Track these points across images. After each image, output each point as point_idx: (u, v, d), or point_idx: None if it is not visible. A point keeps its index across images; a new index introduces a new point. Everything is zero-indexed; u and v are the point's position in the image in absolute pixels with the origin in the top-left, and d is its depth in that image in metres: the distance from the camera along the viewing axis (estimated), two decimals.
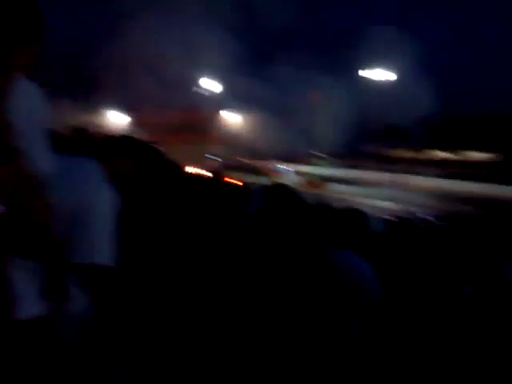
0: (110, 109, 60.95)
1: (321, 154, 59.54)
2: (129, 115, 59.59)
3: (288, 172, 47.86)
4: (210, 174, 5.72)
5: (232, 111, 63.17)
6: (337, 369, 3.03)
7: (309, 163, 56.56)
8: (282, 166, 50.30)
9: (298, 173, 46.88)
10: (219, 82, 56.93)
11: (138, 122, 55.18)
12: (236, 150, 54.84)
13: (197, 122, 54.12)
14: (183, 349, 3.11)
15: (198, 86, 55.85)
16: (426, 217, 18.77)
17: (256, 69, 63.76)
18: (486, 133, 52.99)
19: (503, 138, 49.28)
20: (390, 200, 32.03)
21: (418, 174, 44.91)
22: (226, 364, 2.90)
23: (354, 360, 3.14)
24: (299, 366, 2.92)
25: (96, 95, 51.36)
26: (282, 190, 4.10)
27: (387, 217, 10.45)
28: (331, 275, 3.14)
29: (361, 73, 53.50)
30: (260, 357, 2.89)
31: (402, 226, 4.94)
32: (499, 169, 42.22)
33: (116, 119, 62.09)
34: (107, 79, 53.11)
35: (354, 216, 3.42)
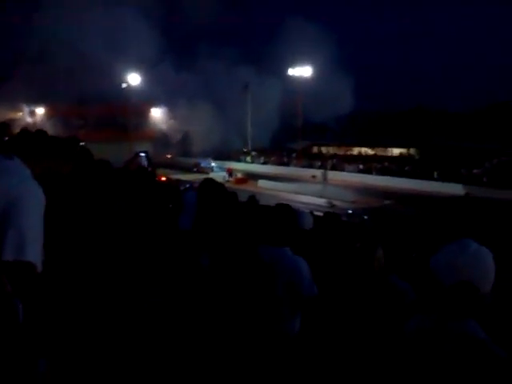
0: (33, 105, 58.38)
1: (249, 151, 60.04)
2: (50, 111, 57.26)
3: (217, 168, 47.82)
4: (139, 172, 5.65)
5: (159, 107, 62.32)
6: (273, 363, 3.11)
7: (237, 160, 56.89)
8: (211, 163, 50.19)
9: (226, 169, 46.95)
10: (146, 76, 55.88)
11: (61, 118, 53.20)
12: (164, 146, 54.11)
13: (124, 117, 52.93)
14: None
15: (125, 81, 54.54)
16: (349, 211, 19.42)
17: (184, 64, 63.27)
18: (405, 129, 55.52)
19: (421, 133, 51.82)
20: (316, 195, 32.79)
21: (342, 169, 46.34)
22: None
23: (291, 354, 3.23)
24: (237, 358, 2.99)
25: (17, 90, 49.03)
26: (209, 184, 4.17)
27: (314, 211, 10.76)
28: (264, 271, 3.21)
29: (289, 71, 54.36)
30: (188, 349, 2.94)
31: (328, 221, 5.12)
32: (417, 164, 44.35)
33: (38, 115, 59.58)
34: (30, 74, 50.87)
35: (285, 212, 3.51)
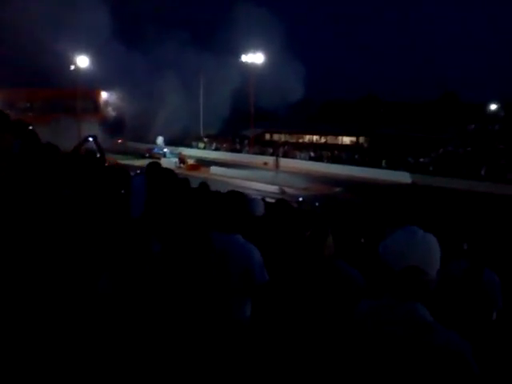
0: None
1: (202, 137, 59.63)
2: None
3: (169, 154, 47.22)
4: (87, 157, 5.51)
5: (110, 90, 60.85)
6: (224, 348, 3.13)
7: (189, 146, 56.40)
8: (163, 148, 49.53)
9: (178, 155, 46.47)
10: (96, 59, 54.30)
11: (7, 100, 51.14)
12: (115, 131, 52.93)
13: (73, 100, 51.37)
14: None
15: (74, 64, 52.83)
16: (299, 198, 19.65)
17: (133, 47, 61.87)
18: (356, 118, 56.52)
19: (371, 122, 52.89)
20: (268, 182, 32.99)
21: (293, 156, 46.79)
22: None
23: (242, 339, 3.26)
24: (188, 344, 2.98)
25: None
26: (156, 168, 4.12)
27: (266, 198, 10.82)
28: (215, 258, 3.21)
29: (242, 57, 54.05)
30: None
31: (279, 207, 5.15)
32: (366, 152, 45.33)
33: None
34: None
35: (236, 199, 3.51)
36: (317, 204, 19.17)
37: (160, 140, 51.30)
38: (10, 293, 3.23)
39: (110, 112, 59.17)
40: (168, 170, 3.87)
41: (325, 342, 2.64)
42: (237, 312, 3.34)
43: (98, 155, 6.13)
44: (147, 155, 46.70)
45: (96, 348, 2.92)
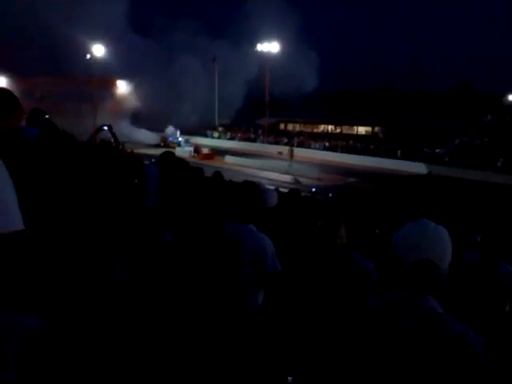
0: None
1: (216, 126, 59.61)
2: (12, 83, 55.42)
3: (184, 143, 47.32)
4: (103, 146, 5.55)
5: (126, 80, 60.95)
6: (237, 335, 3.16)
7: (204, 135, 56.44)
8: (178, 137, 49.63)
9: (192, 144, 46.56)
10: (111, 49, 54.40)
11: (23, 89, 51.62)
12: (132, 120, 53.13)
13: (89, 90, 51.56)
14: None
15: (90, 53, 52.99)
16: (312, 188, 19.54)
17: (150, 37, 61.84)
18: (372, 108, 56.08)
19: (387, 113, 52.45)
20: (282, 172, 32.93)
21: (308, 146, 46.61)
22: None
23: (253, 326, 3.28)
24: (201, 331, 3.02)
25: None
26: (169, 157, 4.13)
27: (280, 188, 10.83)
28: (228, 247, 3.23)
29: (257, 46, 53.81)
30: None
31: (292, 198, 5.16)
32: (381, 142, 45.01)
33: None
34: None
35: (249, 190, 3.52)
36: (330, 195, 19.10)
37: (171, 129, 51.37)
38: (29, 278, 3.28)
39: (126, 101, 59.28)
40: (181, 160, 3.89)
41: (334, 333, 2.66)
42: (249, 300, 3.37)
43: (114, 143, 6.16)
44: (162, 144, 46.86)
45: (111, 335, 2.96)
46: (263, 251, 3.31)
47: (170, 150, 6.08)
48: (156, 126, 53.43)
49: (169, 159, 3.83)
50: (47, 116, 4.87)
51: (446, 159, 36.43)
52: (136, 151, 31.25)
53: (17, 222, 1.94)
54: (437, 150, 38.31)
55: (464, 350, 1.67)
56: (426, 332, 1.73)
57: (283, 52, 53.85)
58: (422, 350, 1.73)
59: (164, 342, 2.98)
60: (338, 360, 2.49)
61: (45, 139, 4.10)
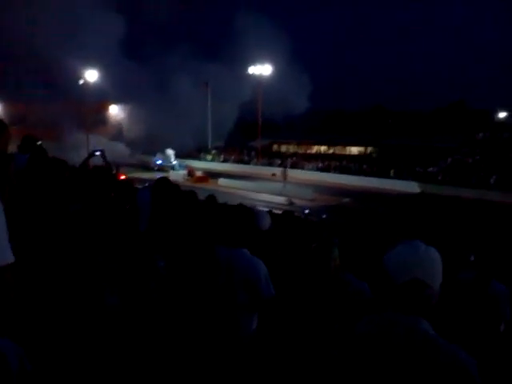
0: None
1: (209, 149, 59.81)
2: (7, 108, 55.66)
3: (178, 166, 47.41)
4: (95, 172, 5.55)
5: (118, 103, 61.29)
6: (231, 362, 3.13)
7: (197, 158, 56.59)
8: (173, 161, 49.76)
9: (186, 167, 46.64)
10: (105, 74, 54.80)
11: (17, 115, 51.81)
12: (124, 144, 53.28)
13: (83, 115, 51.75)
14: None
15: (83, 78, 53.34)
16: (305, 210, 19.52)
17: (144, 61, 62.35)
18: (364, 128, 56.56)
19: (379, 132, 52.91)
20: (276, 193, 33.00)
21: (301, 167, 46.81)
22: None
23: (248, 352, 3.25)
24: (194, 358, 2.99)
25: None
26: (163, 184, 4.13)
27: (274, 210, 10.85)
28: (221, 272, 3.21)
29: (250, 69, 54.36)
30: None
31: (285, 220, 5.16)
32: (374, 162, 45.27)
33: None
34: None
35: (242, 213, 3.53)
36: (324, 216, 19.11)
37: (170, 152, 51.48)
38: (19, 305, 3.25)
39: (119, 126, 59.49)
40: (173, 185, 3.89)
41: (330, 355, 2.64)
42: (243, 326, 3.34)
43: (114, 171, 6.17)
44: (156, 168, 46.92)
45: (102, 360, 2.94)
46: (257, 275, 3.29)
47: (164, 174, 6.07)
48: (150, 148, 53.59)
49: (160, 185, 3.83)
50: (39, 142, 4.89)
51: (439, 178, 36.66)
52: (130, 175, 31.32)
53: (7, 256, 1.99)
54: (429, 169, 38.56)
55: (456, 371, 1.67)
56: (418, 355, 1.73)
57: (275, 74, 54.37)
58: (414, 373, 1.72)
59: (158, 368, 2.95)
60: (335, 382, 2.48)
61: (34, 166, 4.11)
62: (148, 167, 47.90)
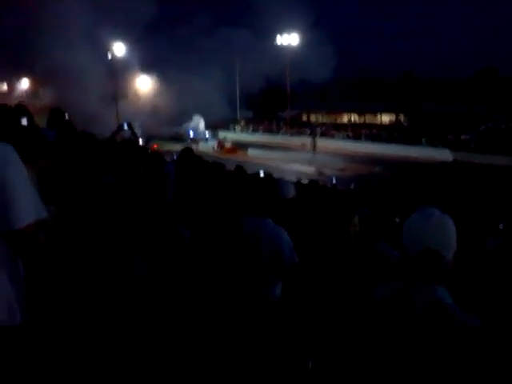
0: (18, 76, 57.61)
1: (238, 120, 59.66)
2: (35, 83, 56.50)
3: (209, 138, 47.51)
4: (123, 144, 5.66)
5: (148, 75, 61.38)
6: (256, 328, 3.22)
7: (227, 129, 56.55)
8: (204, 133, 49.87)
9: (215, 138, 46.73)
10: (133, 46, 54.80)
11: (46, 90, 52.63)
12: (153, 116, 53.53)
13: (111, 87, 52.12)
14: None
15: (111, 51, 53.51)
16: (333, 179, 19.29)
17: (172, 32, 62.04)
18: (395, 96, 55.36)
19: (411, 100, 51.76)
20: (305, 163, 32.84)
21: (331, 137, 46.34)
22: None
23: (272, 319, 3.34)
24: (221, 325, 3.09)
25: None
26: (187, 155, 4.18)
27: (300, 179, 10.81)
28: (245, 242, 3.28)
29: (277, 38, 53.59)
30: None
31: (311, 189, 5.18)
32: (405, 130, 44.49)
33: (23, 87, 58.86)
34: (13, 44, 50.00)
35: (266, 183, 3.57)
36: (352, 186, 18.95)
37: (197, 121, 51.44)
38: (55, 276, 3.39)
39: (149, 97, 59.66)
40: (197, 157, 3.95)
41: (350, 321, 2.69)
42: (266, 293, 3.42)
43: (144, 143, 6.27)
44: (189, 140, 47.06)
45: (131, 329, 3.05)
46: (280, 244, 3.35)
47: (191, 146, 6.14)
48: (178, 120, 53.75)
49: (186, 156, 3.89)
50: (67, 117, 4.99)
51: (472, 145, 35.82)
52: (161, 148, 31.58)
53: (41, 211, 2.22)
54: (462, 137, 37.68)
55: (469, 339, 1.69)
56: (431, 323, 1.75)
57: (303, 43, 53.48)
58: (427, 340, 1.75)
59: (183, 337, 3.05)
60: (355, 347, 2.54)
61: (63, 141, 4.21)
62: (181, 139, 48.05)
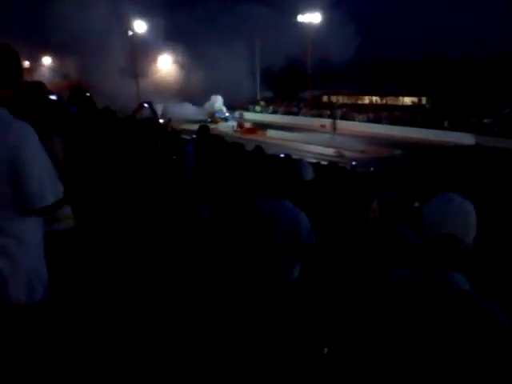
0: (40, 54, 57.97)
1: (258, 100, 59.33)
2: (56, 61, 56.81)
3: (226, 117, 47.38)
4: (143, 123, 5.66)
5: (169, 54, 61.23)
6: (274, 308, 3.23)
7: (246, 109, 56.30)
8: (225, 112, 49.77)
9: (236, 119, 46.55)
10: (154, 24, 54.63)
11: (72, 67, 52.91)
12: (175, 95, 53.49)
13: (133, 66, 52.18)
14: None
15: (132, 29, 53.42)
16: (352, 162, 19.04)
17: (192, 9, 61.63)
18: (418, 77, 54.39)
19: (433, 82, 50.80)
20: (325, 145, 32.62)
21: (351, 118, 45.88)
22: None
23: (290, 299, 3.35)
24: (239, 305, 3.11)
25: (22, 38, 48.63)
26: (203, 131, 4.15)
27: (319, 161, 10.73)
28: (262, 223, 3.27)
29: (299, 17, 52.88)
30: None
31: (329, 171, 5.13)
32: (427, 113, 43.80)
33: (45, 65, 59.27)
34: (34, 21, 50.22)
35: (284, 164, 3.54)
36: (372, 169, 18.74)
37: (218, 101, 51.38)
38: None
39: (170, 76, 59.55)
40: (215, 136, 3.93)
41: (367, 303, 2.69)
42: (285, 274, 3.43)
43: (161, 121, 6.28)
44: (209, 120, 46.96)
45: (154, 304, 3.09)
46: (298, 226, 3.34)
47: (205, 124, 6.13)
48: (199, 100, 53.64)
49: (204, 135, 3.88)
50: (88, 94, 5.02)
51: (495, 129, 35.13)
52: (181, 127, 31.61)
53: (60, 191, 2.24)
54: (485, 120, 36.97)
55: (485, 325, 1.67)
56: (447, 308, 1.74)
57: (324, 23, 52.73)
58: (444, 325, 1.74)
59: (205, 313, 3.08)
60: (371, 332, 2.54)
61: (84, 116, 4.23)
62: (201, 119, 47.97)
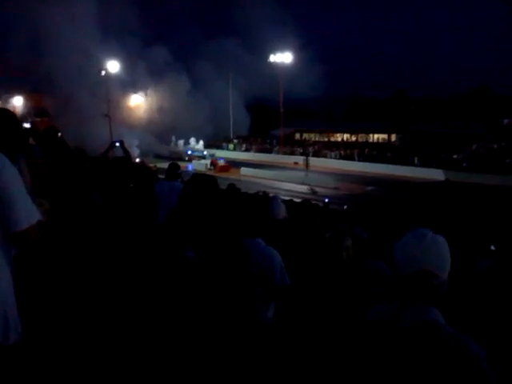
0: (10, 94, 57.54)
1: (231, 138, 59.86)
2: (28, 101, 56.61)
3: (207, 156, 47.54)
4: (115, 162, 5.63)
5: (139, 94, 61.58)
6: (248, 349, 3.16)
7: (219, 147, 56.66)
8: (202, 151, 50.06)
9: (208, 157, 46.77)
10: (126, 64, 55.12)
11: (39, 108, 52.74)
12: (145, 134, 53.60)
13: (103, 105, 52.21)
14: None
15: (105, 69, 53.72)
16: (325, 199, 19.21)
17: (163, 50, 62.49)
18: (387, 115, 55.74)
19: (402, 119, 52.12)
20: (298, 182, 32.92)
21: (324, 156, 46.50)
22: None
23: (264, 340, 3.29)
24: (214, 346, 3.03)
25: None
26: (174, 169, 4.09)
27: (292, 198, 10.78)
28: (240, 262, 3.23)
29: (271, 57, 54.07)
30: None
31: (302, 208, 5.14)
32: (398, 150, 44.71)
33: (16, 105, 58.91)
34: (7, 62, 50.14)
35: (258, 203, 3.53)
36: (345, 207, 18.91)
37: (193, 142, 52.00)
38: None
39: (140, 115, 59.74)
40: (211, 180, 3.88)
41: (342, 342, 2.66)
42: (259, 315, 3.36)
43: (138, 161, 6.25)
44: (187, 158, 47.00)
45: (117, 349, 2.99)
46: (271, 265, 3.30)
47: (175, 162, 6.14)
48: (169, 137, 54.00)
49: (174, 172, 3.85)
50: (59, 134, 4.98)
51: (464, 164, 36.04)
52: (159, 165, 31.50)
53: (35, 214, 2.25)
54: (454, 156, 37.93)
55: (464, 361, 1.66)
56: (426, 344, 1.72)
57: (296, 62, 54.07)
58: (422, 362, 1.72)
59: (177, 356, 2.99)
60: (348, 371, 2.49)
61: (51, 157, 4.18)
62: (179, 158, 47.98)
